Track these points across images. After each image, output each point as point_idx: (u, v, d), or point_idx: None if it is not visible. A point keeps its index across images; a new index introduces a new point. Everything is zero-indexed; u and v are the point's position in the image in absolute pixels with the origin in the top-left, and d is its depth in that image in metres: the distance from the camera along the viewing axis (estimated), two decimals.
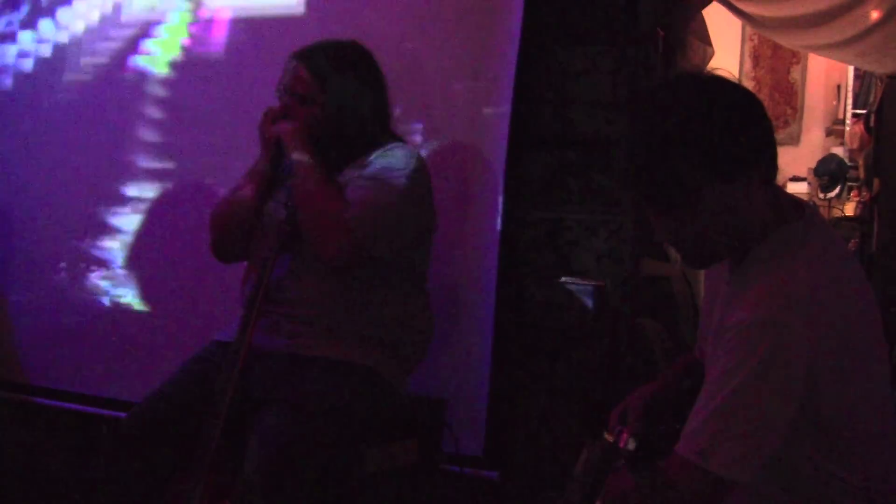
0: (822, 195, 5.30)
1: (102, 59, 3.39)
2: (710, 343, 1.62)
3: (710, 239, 1.52)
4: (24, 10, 3.56)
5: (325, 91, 2.32)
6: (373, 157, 2.33)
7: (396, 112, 2.80)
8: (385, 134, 2.42)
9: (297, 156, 2.29)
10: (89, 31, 3.42)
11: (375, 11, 2.95)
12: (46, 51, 3.49)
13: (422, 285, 2.43)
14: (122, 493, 2.19)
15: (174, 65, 3.28)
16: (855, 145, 5.26)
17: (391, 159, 2.31)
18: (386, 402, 2.30)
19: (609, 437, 1.57)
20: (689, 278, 3.59)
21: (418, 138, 2.82)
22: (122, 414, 2.31)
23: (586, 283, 2.81)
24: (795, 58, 5.97)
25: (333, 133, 2.34)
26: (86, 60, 3.42)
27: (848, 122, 5.49)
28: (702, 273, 3.81)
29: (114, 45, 3.37)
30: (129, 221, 3.27)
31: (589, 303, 2.79)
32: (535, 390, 2.81)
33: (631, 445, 1.54)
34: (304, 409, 2.08)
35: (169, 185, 3.22)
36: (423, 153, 2.76)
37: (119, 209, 3.29)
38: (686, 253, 1.57)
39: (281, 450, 2.01)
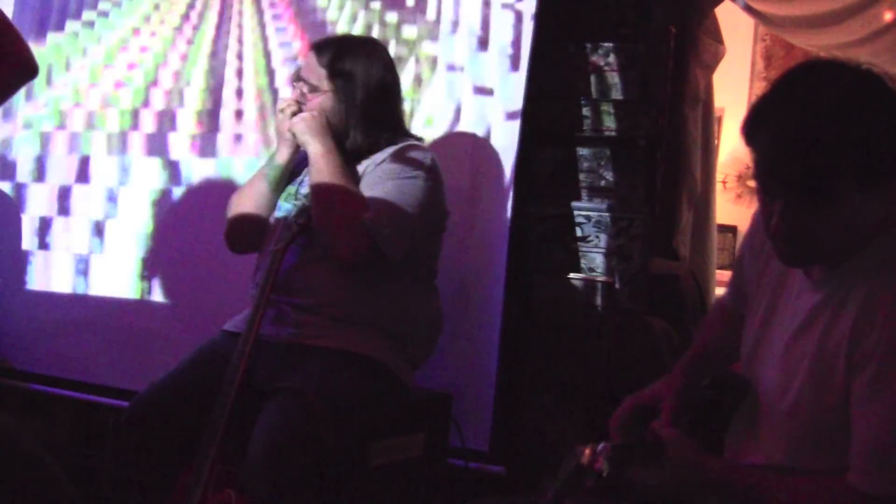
0: None
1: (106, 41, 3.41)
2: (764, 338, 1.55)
3: (828, 239, 1.41)
4: None
5: (335, 82, 2.33)
6: (386, 155, 2.33)
7: (408, 108, 2.82)
8: (399, 131, 2.42)
9: (312, 148, 2.29)
10: None
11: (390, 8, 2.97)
12: None
13: (431, 279, 2.43)
14: (127, 480, 2.20)
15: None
16: None
17: (406, 159, 2.31)
18: (392, 395, 2.30)
19: (585, 453, 1.49)
20: (697, 277, 3.58)
21: (429, 134, 2.82)
22: (127, 403, 2.32)
23: (595, 279, 2.80)
24: (808, 59, 5.95)
25: (344, 125, 2.34)
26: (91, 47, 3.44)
27: None
28: (712, 272, 3.80)
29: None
30: (135, 213, 3.28)
31: (597, 300, 2.79)
32: (542, 386, 2.81)
33: (605, 470, 1.43)
34: (309, 400, 2.07)
35: (177, 177, 3.23)
36: (434, 149, 2.77)
37: (125, 200, 3.30)
38: (791, 250, 1.46)
39: (285, 439, 2.01)
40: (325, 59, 2.35)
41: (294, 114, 2.34)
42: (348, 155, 2.34)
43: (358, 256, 2.22)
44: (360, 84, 2.34)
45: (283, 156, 2.41)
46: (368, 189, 2.27)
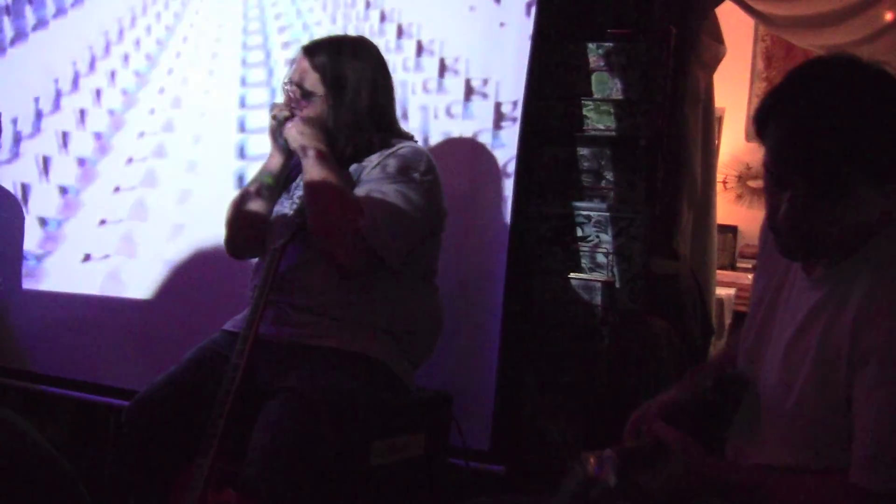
0: None
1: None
2: (766, 342, 1.55)
3: (833, 233, 1.41)
4: None
5: (328, 85, 2.31)
6: (382, 156, 2.32)
7: (405, 109, 2.82)
8: (393, 132, 2.41)
9: (306, 154, 2.27)
10: None
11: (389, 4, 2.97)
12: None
13: (431, 279, 2.43)
14: (126, 479, 2.20)
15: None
16: None
17: (402, 161, 2.30)
18: (393, 394, 2.30)
19: (591, 462, 1.49)
20: (697, 277, 3.58)
21: (429, 134, 2.82)
22: (127, 403, 2.32)
23: (595, 279, 2.81)
24: (808, 58, 5.95)
25: (337, 128, 2.33)
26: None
27: None
28: (712, 272, 3.80)
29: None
30: (137, 214, 3.28)
31: (597, 299, 2.79)
32: (542, 386, 2.81)
33: (612, 481, 1.44)
34: (310, 399, 2.07)
35: (175, 176, 3.23)
36: (434, 148, 2.77)
37: (125, 198, 3.30)
38: (794, 242, 1.46)
39: (285, 439, 2.00)
40: (316, 62, 2.32)
41: (287, 119, 2.32)
42: (342, 158, 2.33)
43: (355, 262, 2.21)
44: (354, 86, 2.31)
45: (277, 162, 2.40)
46: (364, 192, 2.26)
